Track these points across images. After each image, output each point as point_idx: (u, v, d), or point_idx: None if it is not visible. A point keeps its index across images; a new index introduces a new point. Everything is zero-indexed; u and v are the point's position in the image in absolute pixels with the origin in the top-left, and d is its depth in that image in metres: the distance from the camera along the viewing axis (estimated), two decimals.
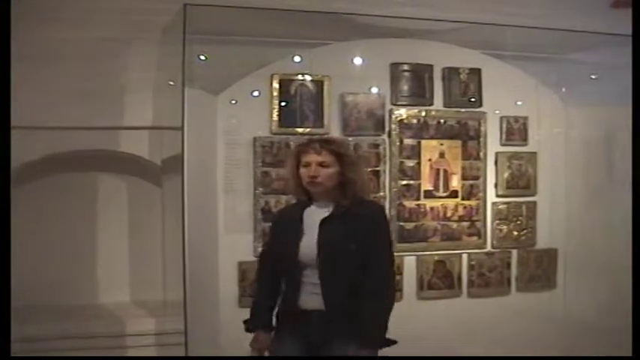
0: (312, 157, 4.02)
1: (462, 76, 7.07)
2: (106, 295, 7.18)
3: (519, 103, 7.28)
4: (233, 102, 6.44)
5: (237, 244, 6.39)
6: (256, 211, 6.41)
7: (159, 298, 7.06)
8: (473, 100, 7.07)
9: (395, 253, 6.42)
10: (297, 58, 6.53)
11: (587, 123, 7.42)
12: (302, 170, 4.06)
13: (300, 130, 6.52)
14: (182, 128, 5.78)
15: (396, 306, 6.56)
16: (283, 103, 6.47)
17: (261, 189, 6.41)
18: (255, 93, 6.46)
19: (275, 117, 6.46)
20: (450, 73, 7.03)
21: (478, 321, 7.01)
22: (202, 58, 6.21)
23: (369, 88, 6.81)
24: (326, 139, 4.32)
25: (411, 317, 6.69)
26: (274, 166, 6.43)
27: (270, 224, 4.86)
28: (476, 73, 7.12)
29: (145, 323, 6.70)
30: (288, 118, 6.50)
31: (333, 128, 6.60)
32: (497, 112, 7.20)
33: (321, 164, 3.99)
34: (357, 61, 6.73)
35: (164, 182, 7.04)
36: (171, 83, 6.30)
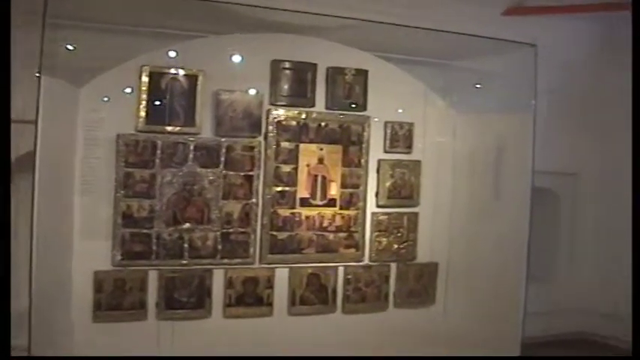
0: None
1: (347, 77, 7.34)
2: None
3: (406, 108, 7.63)
4: (97, 95, 6.47)
5: (94, 252, 6.44)
6: (117, 215, 6.47)
7: None
8: (353, 105, 7.35)
9: (266, 265, 6.72)
10: (172, 53, 6.63)
11: (474, 132, 7.80)
12: None
13: (169, 128, 6.63)
14: (36, 122, 5.68)
15: (265, 322, 6.84)
16: (152, 99, 6.55)
17: (122, 191, 6.48)
18: (123, 86, 6.53)
19: (142, 113, 6.54)
20: (335, 74, 7.29)
21: (353, 338, 7.27)
22: (70, 47, 6.14)
23: (247, 87, 6.94)
24: None
25: (281, 334, 6.89)
26: (138, 166, 6.51)
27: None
28: (362, 74, 7.39)
29: None
30: (156, 114, 6.59)
31: (205, 128, 6.73)
32: (381, 117, 7.50)
33: None
34: (236, 56, 6.91)
35: (17, 182, 6.90)
36: (37, 75, 6.20)
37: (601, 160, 9.38)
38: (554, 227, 9.57)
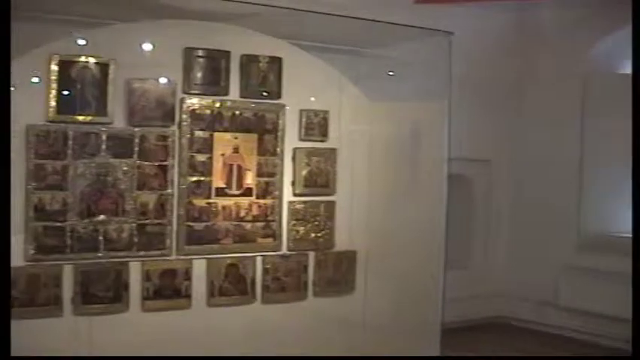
0: None
1: (261, 65, 7.34)
2: None
3: (320, 96, 7.69)
4: None
5: None
6: (28, 208, 6.33)
7: None
8: (265, 94, 7.36)
9: (183, 257, 6.67)
10: (81, 41, 6.51)
11: (389, 119, 7.88)
12: None
13: (80, 117, 6.52)
14: None
15: (185, 314, 6.79)
16: (62, 88, 6.42)
17: (34, 184, 6.34)
18: (31, 75, 6.37)
19: (52, 103, 6.40)
20: (249, 61, 7.29)
21: (273, 328, 7.31)
22: None
23: (159, 75, 6.88)
24: None
25: (201, 326, 6.84)
26: (50, 158, 6.38)
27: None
28: (276, 62, 7.42)
29: None
30: (67, 104, 6.46)
31: (117, 117, 6.65)
32: (296, 105, 7.53)
33: None
34: (147, 44, 6.83)
35: None
36: None
37: (513, 146, 9.64)
38: (470, 213, 9.79)
